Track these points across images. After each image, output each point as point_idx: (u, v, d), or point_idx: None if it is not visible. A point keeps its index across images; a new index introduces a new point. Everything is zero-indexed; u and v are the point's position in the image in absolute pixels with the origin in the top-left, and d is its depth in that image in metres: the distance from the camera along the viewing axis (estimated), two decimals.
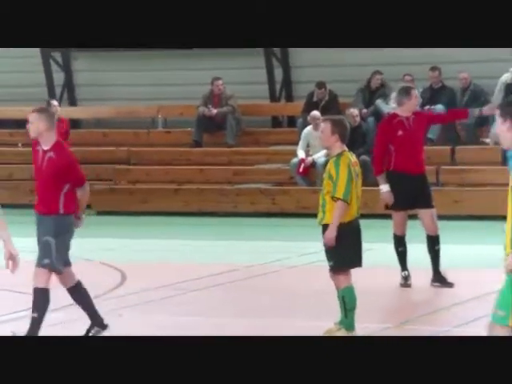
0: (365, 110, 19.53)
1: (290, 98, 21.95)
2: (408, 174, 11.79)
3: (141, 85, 23.15)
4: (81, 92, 24.31)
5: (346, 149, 8.92)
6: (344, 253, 8.61)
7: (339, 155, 8.66)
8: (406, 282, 11.53)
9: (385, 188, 12.12)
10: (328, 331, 8.57)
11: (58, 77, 24.01)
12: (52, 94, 23.66)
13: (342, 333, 8.58)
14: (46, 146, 8.49)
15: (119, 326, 10.57)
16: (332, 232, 8.35)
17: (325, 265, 9.43)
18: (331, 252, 8.59)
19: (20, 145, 22.39)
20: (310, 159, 19.19)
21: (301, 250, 15.46)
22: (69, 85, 24.30)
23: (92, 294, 10.84)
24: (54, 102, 21.30)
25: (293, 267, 14.08)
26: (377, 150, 12.45)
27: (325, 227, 8.51)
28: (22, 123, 20.21)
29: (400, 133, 11.86)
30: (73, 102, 24.24)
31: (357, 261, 8.74)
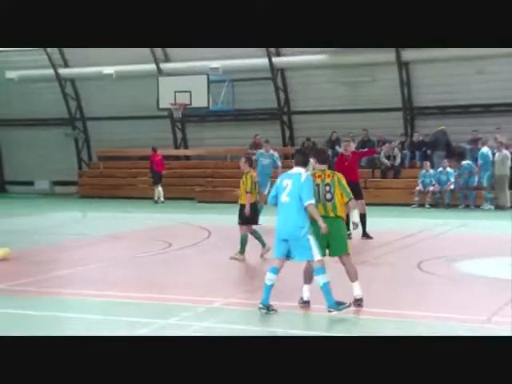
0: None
1: (292, 144, 30.48)
2: (351, 181, 13.33)
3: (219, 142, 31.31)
4: (190, 143, 32.80)
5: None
6: None
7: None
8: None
9: None
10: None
11: (180, 133, 32.92)
12: (176, 144, 32.63)
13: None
14: None
15: (218, 254, 15.57)
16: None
17: None
18: None
19: None
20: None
21: None
22: (184, 140, 32.73)
23: (194, 241, 16.93)
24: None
25: None
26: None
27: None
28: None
29: (346, 163, 16.72)
30: (186, 145, 32.97)
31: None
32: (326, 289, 9.87)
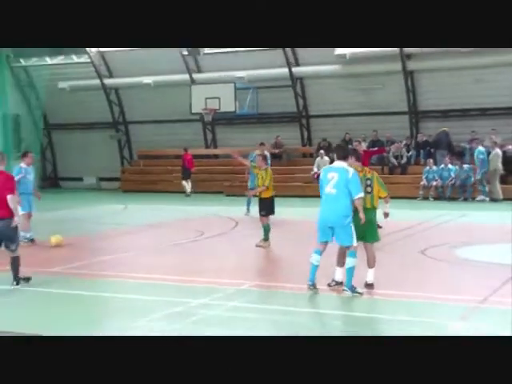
0: None
1: (310, 144, 30.70)
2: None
3: (245, 142, 30.16)
4: (219, 143, 32.68)
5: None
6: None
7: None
8: None
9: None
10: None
11: (210, 135, 32.94)
12: (207, 144, 32.71)
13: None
14: None
15: (244, 242, 15.39)
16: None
17: None
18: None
19: None
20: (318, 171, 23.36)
21: None
22: (214, 140, 32.84)
23: (223, 230, 17.29)
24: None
25: None
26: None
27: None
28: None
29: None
30: (215, 146, 32.94)
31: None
32: (351, 271, 9.87)
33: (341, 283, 10.31)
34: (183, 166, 30.06)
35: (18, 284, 10.79)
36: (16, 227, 10.63)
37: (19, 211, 10.43)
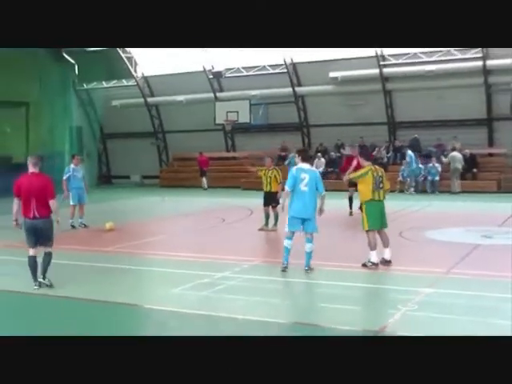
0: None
1: (310, 148, 28.76)
2: None
3: (258, 146, 30.57)
4: (237, 148, 32.56)
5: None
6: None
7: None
8: None
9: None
10: None
11: (229, 141, 32.84)
12: (227, 149, 32.56)
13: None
14: None
15: (257, 227, 14.60)
16: None
17: None
18: None
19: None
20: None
21: None
22: (233, 145, 32.68)
23: (240, 217, 17.38)
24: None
25: None
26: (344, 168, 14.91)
27: None
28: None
29: (354, 161, 13.38)
30: (234, 149, 32.72)
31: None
32: (311, 254, 9.70)
33: (390, 261, 10.11)
34: (199, 166, 30.32)
35: (39, 286, 8.90)
36: (52, 226, 9.00)
37: (58, 212, 8.87)
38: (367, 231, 10.03)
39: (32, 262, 8.89)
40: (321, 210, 9.88)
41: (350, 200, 16.37)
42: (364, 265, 10.01)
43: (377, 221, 9.95)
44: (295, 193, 9.66)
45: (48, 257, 9.04)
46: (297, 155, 10.11)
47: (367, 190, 9.91)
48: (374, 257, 10.05)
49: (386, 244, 10.17)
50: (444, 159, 25.53)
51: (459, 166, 25.07)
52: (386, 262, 10.09)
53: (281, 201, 10.07)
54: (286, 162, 23.98)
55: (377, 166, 10.18)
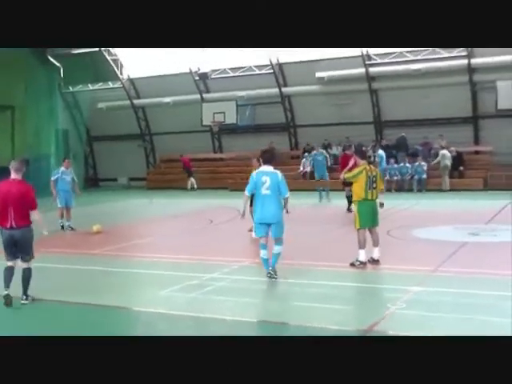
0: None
1: (297, 148, 30.43)
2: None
3: (244, 147, 30.21)
4: (224, 149, 32.52)
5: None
6: None
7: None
8: None
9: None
10: None
11: (216, 142, 32.77)
12: (214, 150, 32.31)
13: None
14: None
15: (245, 228, 13.05)
16: None
17: None
18: None
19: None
20: (304, 169, 26.32)
21: None
22: (220, 146, 32.57)
23: (228, 218, 16.60)
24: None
25: None
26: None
27: None
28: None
29: (350, 160, 14.28)
30: (221, 150, 32.60)
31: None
32: (278, 256, 9.29)
33: (377, 261, 10.08)
34: (184, 167, 30.29)
35: (27, 299, 8.34)
36: (32, 238, 8.33)
37: (43, 223, 8.24)
38: (358, 229, 10.03)
39: (7, 271, 8.28)
40: (287, 212, 9.53)
41: (348, 198, 16.61)
42: (352, 264, 10.03)
43: (368, 220, 9.96)
44: (257, 197, 9.21)
45: (27, 273, 8.29)
46: (258, 158, 9.46)
47: (360, 189, 9.87)
48: (363, 256, 10.05)
49: (375, 243, 10.19)
50: (437, 158, 25.51)
51: (449, 163, 25.17)
52: (374, 261, 10.13)
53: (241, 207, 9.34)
54: None
55: (372, 166, 10.16)
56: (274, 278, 9.11)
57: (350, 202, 16.57)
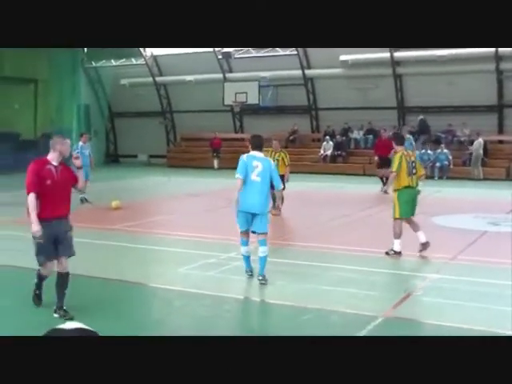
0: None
1: (318, 131, 30.25)
2: (385, 156, 17.27)
3: (266, 128, 29.69)
4: (245, 129, 32.30)
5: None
6: None
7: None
8: None
9: None
10: None
11: (238, 122, 33.20)
12: (235, 130, 32.37)
13: None
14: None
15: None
16: None
17: None
18: None
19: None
20: (325, 153, 27.38)
21: None
22: (241, 126, 32.38)
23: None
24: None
25: None
26: None
27: None
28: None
29: (386, 143, 15.37)
30: (242, 131, 32.30)
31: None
32: (265, 259, 8.28)
33: (427, 243, 9.78)
34: (213, 147, 30.36)
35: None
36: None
37: (33, 215, 6.45)
38: (395, 219, 9.70)
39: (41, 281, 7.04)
40: (279, 208, 9.03)
41: (382, 179, 16.96)
42: (387, 253, 9.84)
43: (408, 209, 9.59)
44: (245, 183, 8.18)
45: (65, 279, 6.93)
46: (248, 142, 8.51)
47: (402, 175, 9.54)
48: (397, 246, 9.82)
49: (417, 228, 9.87)
50: (474, 146, 24.91)
51: (481, 151, 24.76)
52: (424, 245, 9.76)
53: (235, 195, 8.24)
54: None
55: (410, 151, 9.83)
56: (263, 283, 8.16)
57: (383, 183, 16.98)
